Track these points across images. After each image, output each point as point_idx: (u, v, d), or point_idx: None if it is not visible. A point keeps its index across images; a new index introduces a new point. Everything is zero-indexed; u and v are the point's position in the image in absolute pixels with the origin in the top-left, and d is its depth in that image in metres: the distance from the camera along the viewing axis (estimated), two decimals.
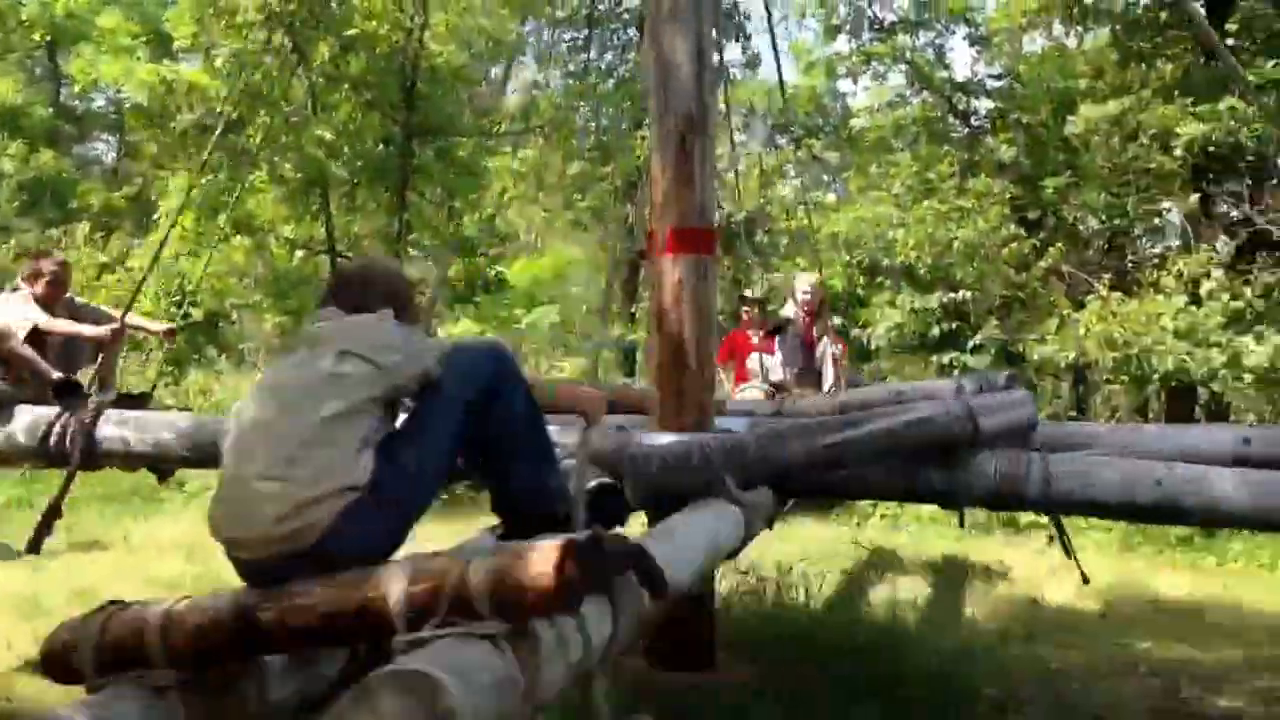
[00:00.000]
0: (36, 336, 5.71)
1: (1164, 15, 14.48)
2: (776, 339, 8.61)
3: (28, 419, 5.23)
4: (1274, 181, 13.60)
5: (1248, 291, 10.99)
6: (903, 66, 17.73)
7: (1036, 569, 7.93)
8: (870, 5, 18.23)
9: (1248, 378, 10.28)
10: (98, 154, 28.47)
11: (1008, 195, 13.95)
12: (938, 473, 4.23)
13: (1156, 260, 14.00)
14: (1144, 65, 14.15)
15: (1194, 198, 13.14)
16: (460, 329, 18.44)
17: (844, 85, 20.19)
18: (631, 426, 4.85)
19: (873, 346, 13.21)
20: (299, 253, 13.41)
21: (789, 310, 8.84)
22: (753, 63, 18.18)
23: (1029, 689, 5.11)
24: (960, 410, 4.16)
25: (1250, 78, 12.56)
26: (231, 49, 11.46)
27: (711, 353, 4.86)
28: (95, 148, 28.50)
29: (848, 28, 18.27)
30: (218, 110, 11.91)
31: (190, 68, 13.26)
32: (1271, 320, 10.73)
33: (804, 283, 8.86)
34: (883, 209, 14.24)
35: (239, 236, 12.47)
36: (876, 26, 18.21)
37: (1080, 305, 12.07)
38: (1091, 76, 15.35)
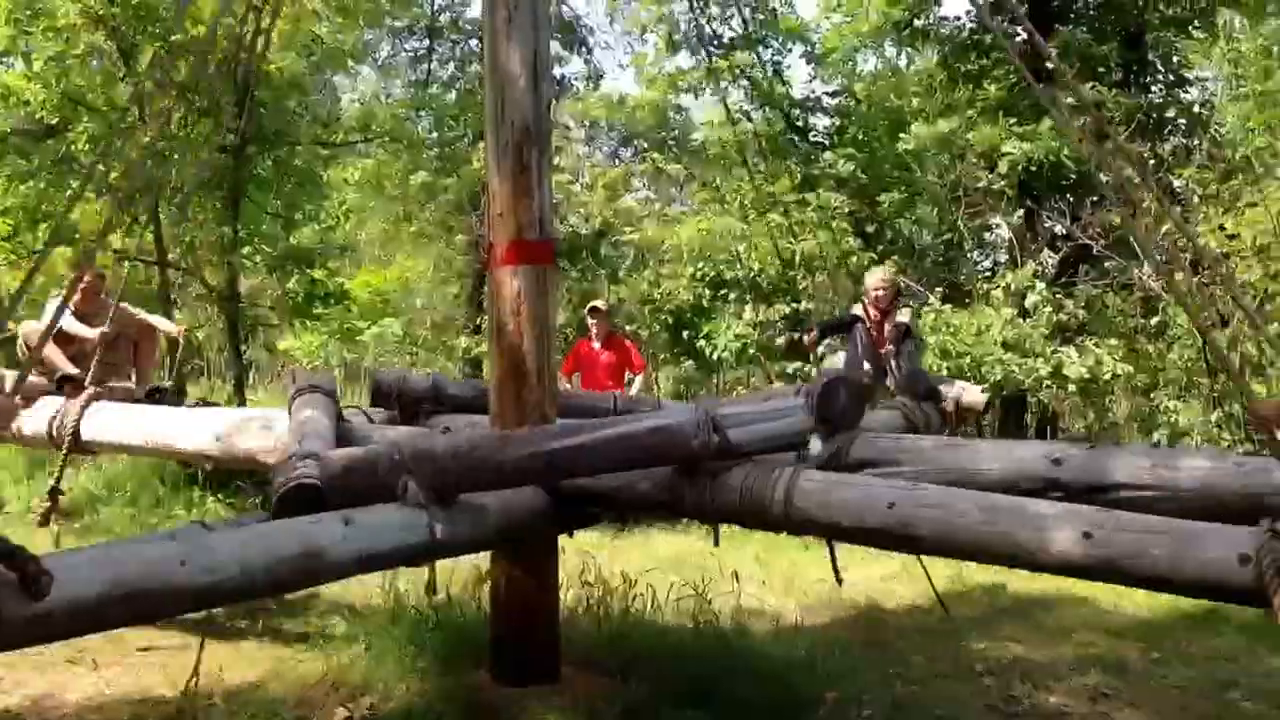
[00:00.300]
0: (70, 338, 6.66)
1: (988, 39, 15.08)
2: (845, 338, 7.95)
3: (46, 408, 6.07)
4: (1094, 199, 14.23)
5: (1069, 304, 11.46)
6: (743, 83, 18.03)
7: (877, 575, 8.07)
8: (710, 22, 18.47)
9: (1071, 387, 10.69)
10: None
11: (846, 210, 14.29)
12: (691, 486, 4.05)
13: (986, 274, 14.51)
14: (971, 87, 14.69)
15: (1019, 214, 13.66)
16: (302, 342, 18.05)
17: (686, 100, 20.37)
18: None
19: (716, 357, 13.34)
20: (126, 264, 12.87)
21: (858, 308, 8.03)
22: (595, 76, 18.22)
23: (870, 692, 5.19)
24: (701, 421, 3.93)
25: (1070, 101, 13.17)
26: (53, 52, 10.95)
27: (552, 364, 4.83)
28: None
29: (688, 43, 18.51)
30: (37, 115, 11.41)
31: (9, 71, 12.64)
32: (1093, 332, 11.20)
33: (875, 276, 8.07)
34: (726, 221, 14.45)
35: (62, 246, 11.92)
36: (715, 43, 18.46)
37: (917, 316, 12.40)
38: (923, 96, 15.85)
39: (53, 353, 6.47)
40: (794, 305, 12.78)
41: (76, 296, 6.74)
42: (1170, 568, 2.99)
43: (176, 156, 11.43)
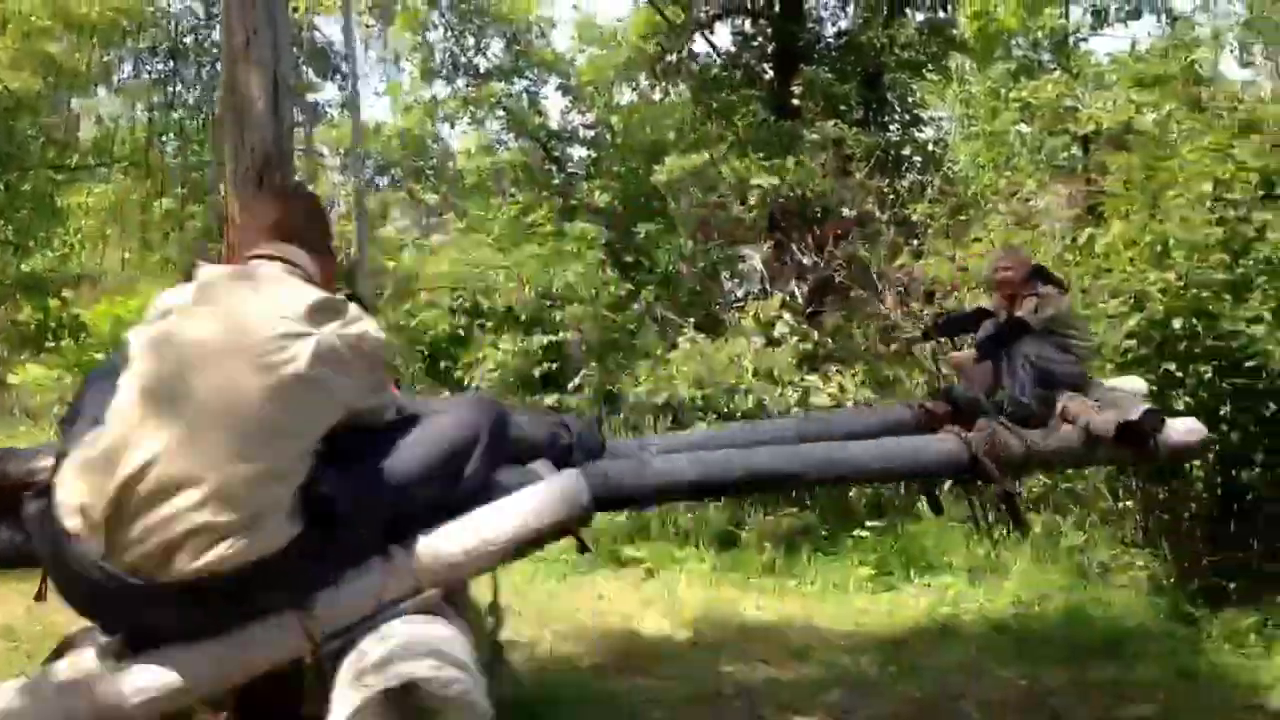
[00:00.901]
0: None
1: (737, 75, 15.64)
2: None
3: None
4: (838, 231, 14.86)
5: (816, 334, 11.88)
6: (500, 112, 18.11)
7: (633, 602, 8.15)
8: (465, 52, 18.49)
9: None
10: None
11: (603, 240, 14.47)
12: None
13: (739, 304, 14.92)
14: (723, 120, 15.16)
15: (768, 245, 14.12)
16: (34, 375, 16.94)
17: (442, 128, 20.26)
18: None
19: (475, 388, 13.24)
20: None
21: (990, 300, 6.46)
22: (350, 103, 17.87)
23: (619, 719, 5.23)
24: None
25: (814, 136, 13.78)
26: None
27: None
28: None
29: (444, 72, 18.46)
30: None
31: None
32: (841, 359, 11.62)
33: (994, 259, 6.61)
34: (483, 251, 14.43)
35: None
36: (471, 73, 18.50)
37: (673, 346, 12.60)
38: (676, 129, 16.26)
39: None
40: (551, 336, 12.82)
41: None
42: None
43: None
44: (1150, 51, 14.57)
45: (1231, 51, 20.76)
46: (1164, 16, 18.30)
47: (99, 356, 16.71)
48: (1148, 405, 5.24)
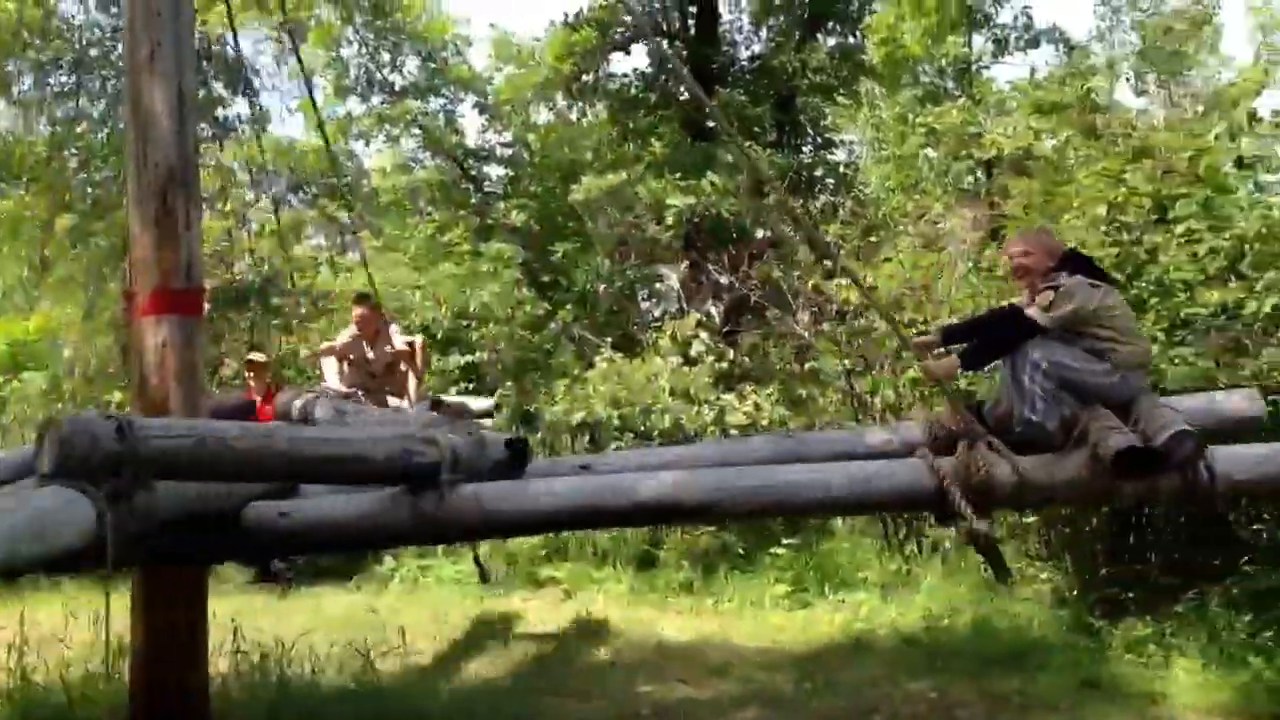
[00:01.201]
0: (359, 360, 7.96)
1: (654, 97, 15.74)
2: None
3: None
4: (752, 251, 15.00)
5: (732, 353, 11.96)
6: (415, 130, 18.02)
7: (553, 622, 8.15)
8: (380, 69, 18.39)
9: (734, 433, 11.13)
10: None
11: (520, 259, 14.45)
12: None
13: (656, 323, 14.98)
14: (640, 141, 15.24)
15: (685, 265, 14.20)
16: None
17: (357, 146, 20.12)
18: None
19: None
20: None
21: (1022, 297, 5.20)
22: (262, 119, 17.62)
23: None
24: None
25: (729, 158, 13.91)
26: None
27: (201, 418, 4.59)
28: None
29: (358, 89, 18.34)
30: None
31: None
32: (757, 378, 11.71)
33: (1009, 242, 5.69)
34: (399, 271, 14.33)
35: None
36: (386, 90, 18.40)
37: (590, 365, 12.60)
38: (594, 149, 16.32)
39: (328, 368, 7.95)
40: (468, 356, 12.76)
41: (355, 326, 8.06)
42: None
43: None
44: (1049, 79, 14.94)
45: (1127, 80, 21.44)
46: (1062, 46, 18.91)
47: None
48: (1181, 427, 4.29)
